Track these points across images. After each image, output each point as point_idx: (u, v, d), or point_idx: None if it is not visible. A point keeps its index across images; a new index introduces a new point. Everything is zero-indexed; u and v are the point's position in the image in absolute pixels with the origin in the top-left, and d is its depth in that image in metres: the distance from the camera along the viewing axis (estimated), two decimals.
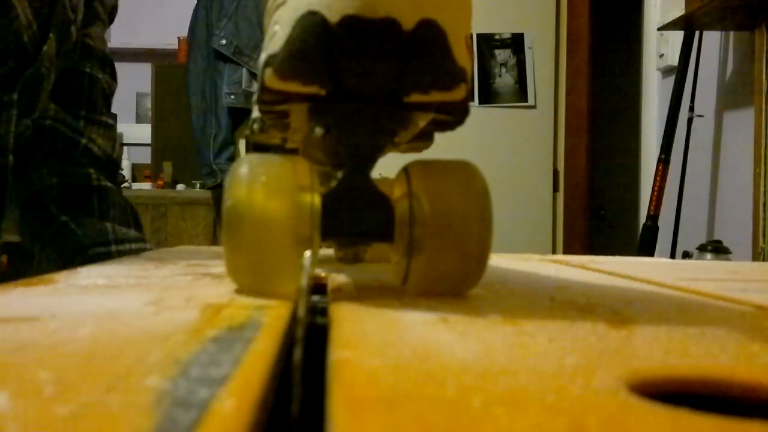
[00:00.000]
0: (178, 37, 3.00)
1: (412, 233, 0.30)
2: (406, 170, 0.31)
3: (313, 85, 0.28)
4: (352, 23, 0.26)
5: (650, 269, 0.53)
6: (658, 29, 2.11)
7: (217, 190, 2.37)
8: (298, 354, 0.20)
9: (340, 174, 0.30)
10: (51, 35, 0.64)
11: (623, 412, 0.14)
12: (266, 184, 0.28)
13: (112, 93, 0.83)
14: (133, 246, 0.78)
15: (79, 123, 0.77)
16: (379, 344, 0.20)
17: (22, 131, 0.66)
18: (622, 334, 0.23)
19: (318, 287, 0.35)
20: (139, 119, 3.40)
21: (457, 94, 0.29)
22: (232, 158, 2.32)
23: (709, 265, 0.83)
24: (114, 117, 0.87)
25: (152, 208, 2.72)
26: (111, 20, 0.83)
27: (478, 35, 2.48)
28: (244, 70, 2.31)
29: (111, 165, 0.81)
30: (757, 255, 1.67)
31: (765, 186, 1.66)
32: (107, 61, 0.82)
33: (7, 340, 0.20)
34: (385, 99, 0.29)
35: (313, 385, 0.19)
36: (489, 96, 2.52)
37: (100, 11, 0.79)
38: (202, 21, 2.41)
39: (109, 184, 0.79)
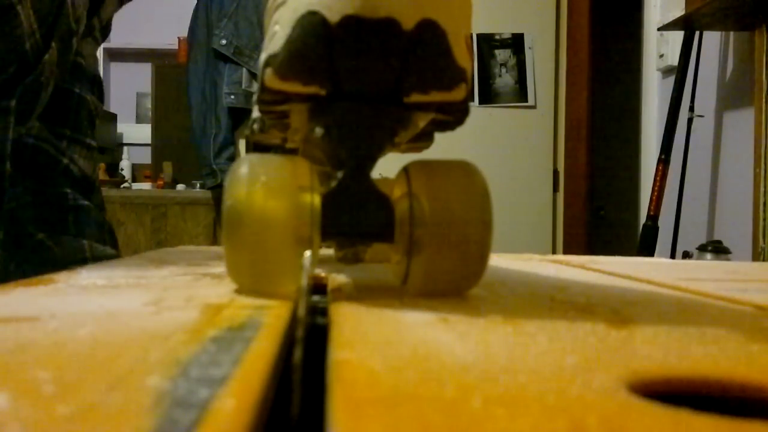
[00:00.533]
0: (178, 37, 3.00)
1: (412, 233, 0.30)
2: (406, 170, 0.31)
3: (313, 85, 0.28)
4: (352, 23, 0.26)
5: (650, 269, 0.53)
6: (658, 29, 2.11)
7: (217, 190, 2.37)
8: (298, 354, 0.20)
9: (340, 174, 0.30)
10: (53, 44, 0.64)
11: (623, 412, 0.14)
12: (266, 184, 0.28)
13: (98, 114, 0.83)
14: None
15: (63, 143, 0.77)
16: (379, 344, 0.20)
17: (16, 139, 0.66)
18: (622, 334, 0.23)
19: (318, 287, 0.35)
20: (139, 119, 3.40)
21: (457, 94, 0.29)
22: (232, 158, 2.32)
23: (709, 265, 0.83)
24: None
25: (152, 208, 2.72)
26: (104, 37, 0.83)
27: (478, 35, 2.48)
28: (244, 70, 2.31)
29: (88, 185, 0.81)
30: (757, 255, 1.67)
31: (765, 186, 1.66)
32: (97, 81, 0.82)
33: (7, 340, 0.20)
34: (385, 99, 0.29)
35: (313, 385, 0.19)
36: (489, 96, 2.52)
37: (96, 26, 0.79)
38: (202, 21, 2.41)
39: (85, 202, 0.79)
